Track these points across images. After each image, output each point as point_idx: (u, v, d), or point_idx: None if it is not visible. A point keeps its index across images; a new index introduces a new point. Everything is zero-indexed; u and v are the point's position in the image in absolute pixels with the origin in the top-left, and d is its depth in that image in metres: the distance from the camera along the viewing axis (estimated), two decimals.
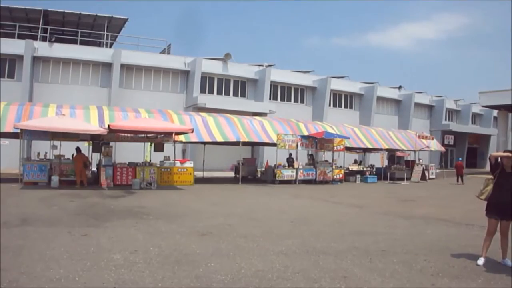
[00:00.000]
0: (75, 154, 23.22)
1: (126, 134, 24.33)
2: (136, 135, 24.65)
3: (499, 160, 8.65)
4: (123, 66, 39.25)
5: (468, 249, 9.63)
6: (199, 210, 15.06)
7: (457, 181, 35.00)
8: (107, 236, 9.90)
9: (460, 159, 43.20)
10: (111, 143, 25.33)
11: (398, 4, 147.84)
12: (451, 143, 45.74)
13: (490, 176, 8.76)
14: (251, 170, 33.44)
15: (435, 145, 41.69)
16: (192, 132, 24.42)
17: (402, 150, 38.57)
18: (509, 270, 8.00)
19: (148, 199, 17.80)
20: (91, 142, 25.52)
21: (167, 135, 24.44)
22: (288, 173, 28.94)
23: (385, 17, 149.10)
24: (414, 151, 38.11)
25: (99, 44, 44.42)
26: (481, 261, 8.34)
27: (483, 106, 56.40)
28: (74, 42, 39.98)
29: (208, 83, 44.11)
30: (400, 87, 60.63)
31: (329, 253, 8.87)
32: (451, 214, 15.91)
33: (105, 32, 42.62)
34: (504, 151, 8.94)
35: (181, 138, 25.72)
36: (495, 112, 59.09)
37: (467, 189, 29.31)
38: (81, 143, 24.65)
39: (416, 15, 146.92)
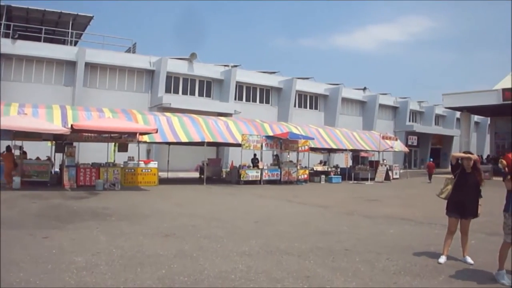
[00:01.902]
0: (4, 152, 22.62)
1: (89, 134, 24.09)
2: (99, 135, 24.42)
3: (459, 160, 8.82)
4: (87, 64, 38.77)
5: (430, 247, 9.81)
6: (163, 211, 15.00)
7: (430, 180, 36.00)
8: (69, 238, 9.79)
9: (432, 159, 43.88)
10: (75, 143, 24.93)
11: (364, 6, 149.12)
12: (415, 143, 46.27)
13: (450, 176, 8.92)
14: (216, 171, 33.42)
15: (399, 145, 42.15)
16: (156, 132, 24.23)
17: (366, 151, 38.90)
18: (469, 267, 8.18)
19: (112, 200, 17.65)
20: (54, 142, 25.22)
21: (131, 135, 24.28)
22: (253, 174, 28.99)
23: (351, 19, 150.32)
24: (378, 151, 38.44)
25: (63, 42, 43.71)
26: (442, 259, 8.53)
27: (446, 108, 57.28)
28: (38, 39, 39.34)
29: (174, 83, 43.98)
30: (365, 89, 61.32)
31: (292, 253, 8.93)
32: (414, 213, 16.16)
33: (70, 30, 42.02)
34: (464, 152, 9.11)
35: (145, 138, 25.51)
36: (458, 114, 60.09)
37: (431, 189, 29.72)
38: (44, 143, 24.35)
39: (383, 17, 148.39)
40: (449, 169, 35.34)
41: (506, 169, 7.75)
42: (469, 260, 8.51)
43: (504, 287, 7.10)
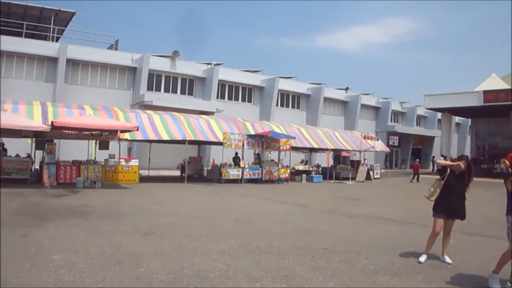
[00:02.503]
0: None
1: (70, 131, 23.94)
2: (80, 132, 24.24)
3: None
4: (69, 61, 38.44)
5: (409, 247, 9.90)
6: (143, 209, 14.97)
7: (416, 180, 36.75)
8: (49, 236, 9.74)
9: (418, 160, 44.22)
10: (55, 141, 24.76)
11: (348, 7, 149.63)
12: (396, 144, 46.59)
13: (438, 177, 8.98)
14: (197, 169, 33.39)
15: (380, 145, 42.38)
16: (137, 130, 24.16)
17: (347, 150, 39.04)
18: (448, 267, 8.27)
19: (92, 198, 17.55)
20: (34, 139, 25.02)
21: (112, 132, 24.13)
22: (234, 172, 28.99)
23: (334, 19, 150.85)
24: (360, 151, 38.61)
25: (45, 38, 43.37)
26: (423, 258, 8.61)
27: (427, 109, 57.69)
28: (19, 34, 38.95)
29: (156, 80, 43.78)
30: (347, 89, 61.62)
31: (272, 252, 8.96)
32: (394, 213, 16.28)
33: (52, 26, 41.66)
34: (458, 158, 9.18)
35: (126, 136, 25.38)
36: (439, 115, 60.66)
37: (411, 189, 29.97)
38: (24, 140, 24.15)
39: (366, 18, 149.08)
40: (430, 169, 35.86)
41: (510, 169, 7.79)
42: (447, 259, 8.61)
43: None
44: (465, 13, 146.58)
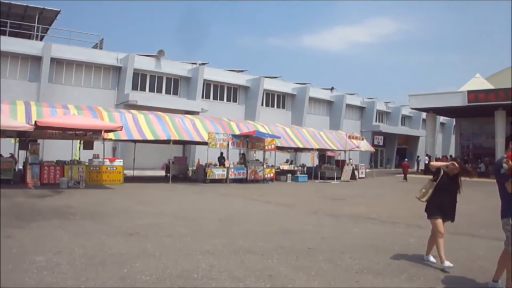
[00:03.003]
0: None
1: (54, 131, 23.78)
2: (64, 132, 24.06)
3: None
4: (53, 60, 38.19)
5: (394, 246, 9.97)
6: (127, 210, 14.91)
7: (404, 179, 37.58)
8: (32, 237, 9.68)
9: (406, 159, 44.64)
10: (39, 140, 24.57)
11: (333, 7, 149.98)
12: (381, 143, 46.75)
13: (430, 177, 8.95)
14: (182, 169, 33.28)
15: (365, 145, 42.57)
16: (122, 129, 24.08)
17: (332, 150, 39.14)
18: (431, 266, 8.31)
19: (76, 199, 17.46)
20: (17, 139, 24.84)
21: (96, 132, 24.02)
22: (219, 172, 28.97)
23: (320, 19, 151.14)
24: (345, 151, 38.71)
25: (29, 37, 43.08)
26: (446, 264, 8.11)
27: (412, 109, 57.94)
28: (2, 33, 38.60)
29: (140, 80, 43.65)
30: (332, 89, 61.79)
31: (256, 252, 8.97)
32: (378, 212, 16.30)
33: (36, 24, 41.37)
34: (452, 159, 9.15)
35: (111, 135, 25.30)
36: (423, 115, 61.02)
37: (396, 188, 30.09)
38: (7, 140, 23.97)
39: (351, 19, 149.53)
40: (415, 169, 35.99)
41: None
42: (431, 259, 8.61)
43: None
44: (450, 13, 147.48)
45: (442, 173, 8.65)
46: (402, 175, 38.76)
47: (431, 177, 8.89)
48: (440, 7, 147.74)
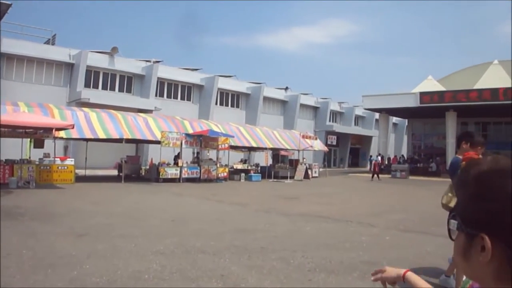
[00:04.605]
0: None
1: (3, 129, 23.26)
2: (14, 130, 23.57)
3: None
4: (3, 55, 37.06)
5: (346, 244, 10.05)
6: (78, 210, 14.67)
7: (377, 178, 38.47)
8: None
9: (377, 159, 45.15)
10: None
11: (289, 8, 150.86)
12: (334, 143, 47.32)
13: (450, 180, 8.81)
14: (135, 168, 33.01)
15: (318, 145, 42.90)
16: (73, 128, 23.72)
17: (286, 149, 39.39)
18: (383, 263, 8.37)
19: (25, 199, 17.11)
20: None
21: (47, 130, 23.61)
22: (172, 172, 28.81)
23: (275, 19, 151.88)
24: (298, 150, 38.95)
25: None
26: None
27: (365, 109, 58.71)
28: None
29: (93, 77, 42.93)
30: (286, 88, 62.12)
31: (208, 252, 8.93)
32: (331, 211, 16.40)
33: None
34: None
35: (62, 134, 24.87)
36: (376, 115, 61.91)
37: (348, 187, 30.40)
38: None
39: (307, 19, 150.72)
40: (368, 168, 36.33)
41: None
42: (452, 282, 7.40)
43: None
44: (404, 16, 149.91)
45: None
46: (377, 175, 39.31)
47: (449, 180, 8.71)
48: (393, 11, 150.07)
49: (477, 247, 1.07)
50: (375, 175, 38.86)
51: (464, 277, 1.57)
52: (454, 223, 1.17)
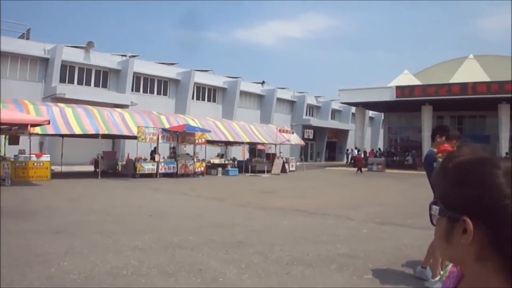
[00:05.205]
0: None
1: None
2: None
3: None
4: None
5: (323, 237, 10.14)
6: (54, 207, 14.53)
7: (358, 171, 39.21)
8: None
9: (360, 152, 45.51)
10: None
11: (265, 2, 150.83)
12: (311, 137, 47.50)
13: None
14: (112, 164, 32.79)
15: (295, 139, 42.97)
16: (49, 124, 23.50)
17: (263, 144, 39.53)
18: (361, 256, 8.45)
19: (0, 196, 16.96)
20: None
21: (22, 127, 23.36)
22: (148, 167, 28.67)
23: (252, 13, 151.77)
24: (275, 144, 39.03)
25: None
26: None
27: (342, 103, 59.14)
28: None
29: (69, 72, 42.51)
30: (263, 83, 62.22)
31: (186, 247, 8.95)
32: (308, 205, 16.47)
33: None
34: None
35: (37, 130, 24.60)
36: (353, 109, 62.11)
37: (326, 181, 30.56)
38: None
39: (283, 14, 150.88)
40: (344, 161, 36.67)
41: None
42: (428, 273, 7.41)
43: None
44: (381, 11, 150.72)
45: None
46: (359, 168, 39.88)
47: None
48: (371, 5, 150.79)
49: (459, 230, 1.13)
50: (359, 169, 39.41)
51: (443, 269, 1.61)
52: (435, 208, 1.23)
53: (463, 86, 41.14)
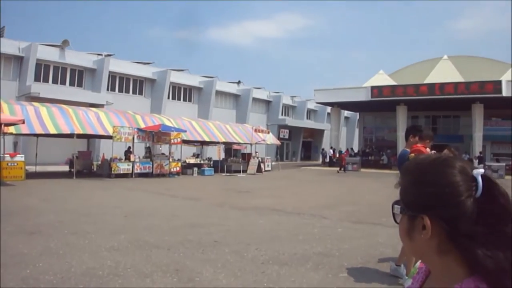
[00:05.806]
0: None
1: None
2: None
3: None
4: None
5: (299, 236, 10.28)
6: (29, 207, 14.46)
7: (341, 170, 40.31)
8: None
9: (344, 151, 45.80)
10: None
11: (241, 1, 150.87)
12: (287, 137, 47.68)
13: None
14: (87, 164, 32.61)
15: (271, 138, 43.07)
16: (23, 123, 23.30)
17: (239, 143, 39.58)
18: (335, 254, 8.55)
19: None
20: None
21: None
22: (124, 167, 28.55)
23: (228, 13, 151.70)
24: (251, 144, 39.15)
25: None
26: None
27: (317, 103, 59.54)
28: None
29: (44, 71, 42.03)
30: (239, 82, 62.29)
31: (162, 247, 8.99)
32: (283, 204, 16.60)
33: None
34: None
35: (11, 129, 24.40)
36: (328, 109, 62.58)
37: (301, 180, 30.64)
38: None
39: (259, 14, 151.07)
40: (320, 161, 36.80)
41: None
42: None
43: None
44: (356, 12, 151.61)
45: None
46: (341, 167, 40.78)
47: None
48: (346, 6, 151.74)
49: (419, 227, 1.25)
50: (343, 168, 40.30)
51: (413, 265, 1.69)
52: (397, 207, 1.35)
53: (439, 86, 41.79)
